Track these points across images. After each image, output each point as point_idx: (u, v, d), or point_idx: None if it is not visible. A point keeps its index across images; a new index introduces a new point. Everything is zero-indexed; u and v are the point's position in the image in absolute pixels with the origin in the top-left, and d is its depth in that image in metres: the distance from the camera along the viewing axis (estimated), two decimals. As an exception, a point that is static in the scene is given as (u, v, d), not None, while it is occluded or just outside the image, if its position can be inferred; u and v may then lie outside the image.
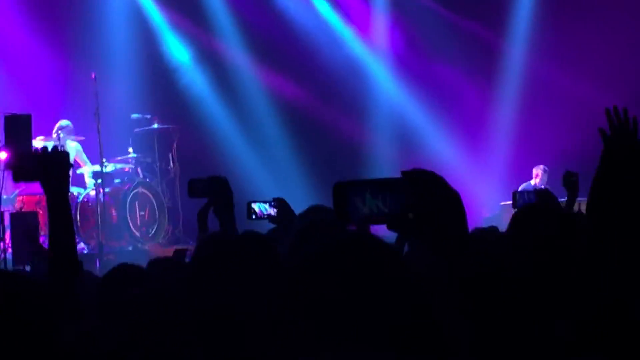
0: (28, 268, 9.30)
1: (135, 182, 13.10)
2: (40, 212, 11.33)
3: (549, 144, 14.47)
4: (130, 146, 13.53)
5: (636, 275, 2.69)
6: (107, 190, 12.75)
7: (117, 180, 13.15)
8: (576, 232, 3.04)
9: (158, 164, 13.92)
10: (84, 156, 13.21)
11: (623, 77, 14.63)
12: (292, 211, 5.25)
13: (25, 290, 2.45)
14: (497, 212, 13.68)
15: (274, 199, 5.35)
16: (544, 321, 2.70)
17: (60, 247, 3.45)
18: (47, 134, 12.64)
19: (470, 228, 2.72)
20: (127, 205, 12.84)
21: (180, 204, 13.64)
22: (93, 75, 12.88)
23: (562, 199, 6.19)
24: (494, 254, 3.21)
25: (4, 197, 11.12)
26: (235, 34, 15.80)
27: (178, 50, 15.71)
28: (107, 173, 12.89)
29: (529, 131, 15.27)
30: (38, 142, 11.78)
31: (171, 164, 14.08)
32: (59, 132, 12.79)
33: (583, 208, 3.57)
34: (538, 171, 13.98)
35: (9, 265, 10.15)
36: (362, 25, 16.30)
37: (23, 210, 11.76)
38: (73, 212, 11.93)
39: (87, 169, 13.09)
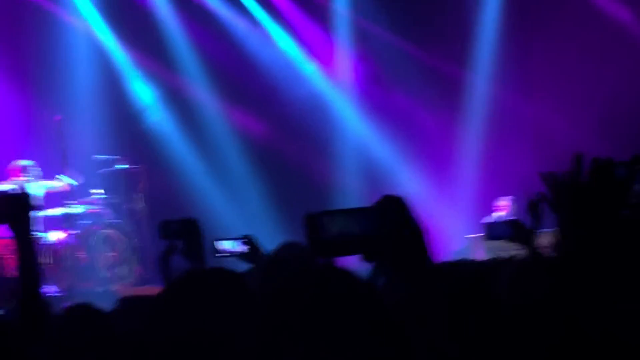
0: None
1: (105, 224, 13.04)
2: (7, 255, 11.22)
3: (514, 174, 14.48)
4: (98, 187, 13.49)
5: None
6: (77, 232, 12.68)
7: (86, 222, 13.09)
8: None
9: (126, 205, 13.88)
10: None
11: (587, 105, 14.79)
12: (260, 248, 5.24)
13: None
14: (466, 244, 13.62)
15: (244, 236, 5.35)
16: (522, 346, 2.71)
17: (29, 289, 3.44)
18: (13, 177, 12.56)
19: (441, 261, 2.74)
20: (97, 247, 12.79)
21: (150, 245, 13.57)
22: (58, 118, 12.86)
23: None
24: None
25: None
26: (200, 72, 15.82)
27: (143, 91, 15.71)
28: (76, 214, 12.82)
29: (494, 162, 15.32)
30: (3, 186, 11.71)
31: (139, 204, 14.04)
32: (24, 174, 12.70)
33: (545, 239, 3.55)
34: (506, 202, 13.85)
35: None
36: (325, 59, 16.35)
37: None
38: (44, 254, 11.92)
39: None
